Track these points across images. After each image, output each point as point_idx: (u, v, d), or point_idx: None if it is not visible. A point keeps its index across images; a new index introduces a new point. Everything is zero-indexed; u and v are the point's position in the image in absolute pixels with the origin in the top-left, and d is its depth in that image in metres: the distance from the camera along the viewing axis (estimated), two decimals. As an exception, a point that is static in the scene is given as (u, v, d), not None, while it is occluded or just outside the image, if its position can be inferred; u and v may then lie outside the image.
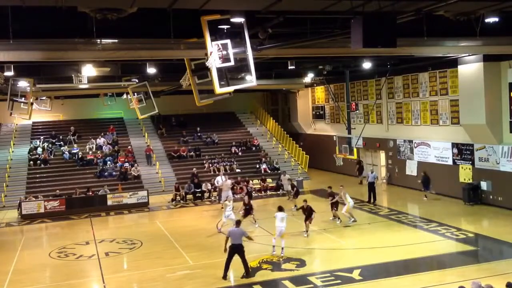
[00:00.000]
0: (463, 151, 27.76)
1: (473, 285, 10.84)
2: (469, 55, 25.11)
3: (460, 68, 26.64)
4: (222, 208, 26.33)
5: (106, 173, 35.26)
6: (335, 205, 24.23)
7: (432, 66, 29.51)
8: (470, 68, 25.96)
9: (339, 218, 24.01)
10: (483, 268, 16.72)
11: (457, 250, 19.53)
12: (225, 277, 16.56)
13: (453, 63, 27.01)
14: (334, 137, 40.40)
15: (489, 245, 20.24)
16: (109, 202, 30.40)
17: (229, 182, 30.25)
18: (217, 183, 31.31)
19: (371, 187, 28.65)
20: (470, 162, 27.31)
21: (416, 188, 31.04)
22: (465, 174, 27.60)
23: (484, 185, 26.48)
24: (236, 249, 16.69)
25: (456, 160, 28.31)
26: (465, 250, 19.30)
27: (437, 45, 19.68)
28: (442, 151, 29.30)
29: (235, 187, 31.88)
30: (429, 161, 30.39)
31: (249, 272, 16.77)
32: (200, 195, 32.13)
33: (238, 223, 17.70)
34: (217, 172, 34.92)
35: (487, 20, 16.26)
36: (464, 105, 26.95)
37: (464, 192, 26.91)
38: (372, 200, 28.30)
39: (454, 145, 28.39)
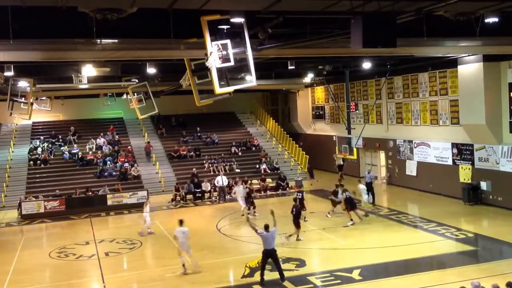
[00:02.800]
0: (463, 151, 27.76)
1: (471, 285, 10.85)
2: (469, 55, 25.10)
3: (460, 68, 26.64)
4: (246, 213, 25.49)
5: (106, 173, 35.25)
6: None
7: (432, 66, 29.51)
8: (470, 68, 25.95)
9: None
10: (483, 268, 16.73)
11: (457, 250, 19.53)
12: (262, 282, 15.97)
13: (453, 63, 27.01)
14: (334, 137, 40.42)
15: (489, 245, 20.24)
16: (109, 202, 30.41)
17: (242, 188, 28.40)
18: (217, 183, 31.32)
19: (369, 187, 28.53)
20: (470, 162, 27.31)
21: (416, 188, 31.10)
22: (465, 174, 27.60)
23: (484, 185, 26.47)
24: (270, 254, 16.19)
25: (456, 160, 28.31)
26: (465, 250, 19.31)
27: (437, 45, 19.67)
28: (442, 151, 29.30)
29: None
30: (429, 161, 30.40)
31: (283, 276, 16.23)
32: (200, 195, 32.12)
33: (267, 227, 16.58)
34: (216, 172, 34.93)
35: (487, 20, 16.25)
36: (464, 105, 26.94)
37: (464, 192, 26.91)
38: (370, 201, 28.16)
39: (454, 145, 28.39)
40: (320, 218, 24.82)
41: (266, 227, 16.41)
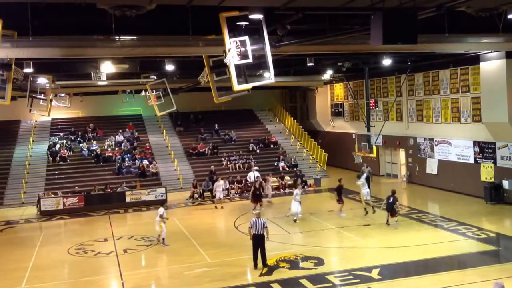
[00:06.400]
0: (485, 150, 27.37)
1: (495, 285, 10.63)
2: (491, 52, 24.73)
3: (482, 65, 26.26)
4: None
5: (124, 170, 35.37)
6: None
7: (453, 63, 29.12)
8: (493, 65, 25.57)
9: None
10: (504, 269, 16.42)
11: (478, 250, 19.21)
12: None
13: (475, 60, 26.64)
14: (353, 134, 40.08)
15: (511, 245, 19.90)
16: (128, 199, 30.45)
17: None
18: (249, 179, 30.94)
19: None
20: (492, 161, 26.91)
21: (436, 187, 30.75)
22: (486, 172, 27.22)
23: (506, 184, 26.05)
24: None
25: (477, 159, 27.92)
26: (486, 250, 18.97)
27: (458, 41, 19.42)
28: (463, 149, 28.92)
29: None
30: (450, 159, 30.03)
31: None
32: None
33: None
34: (235, 170, 34.98)
35: (510, 16, 16.00)
36: (486, 102, 26.57)
37: (485, 191, 26.52)
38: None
39: (476, 143, 28.00)
40: (339, 217, 24.66)
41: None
